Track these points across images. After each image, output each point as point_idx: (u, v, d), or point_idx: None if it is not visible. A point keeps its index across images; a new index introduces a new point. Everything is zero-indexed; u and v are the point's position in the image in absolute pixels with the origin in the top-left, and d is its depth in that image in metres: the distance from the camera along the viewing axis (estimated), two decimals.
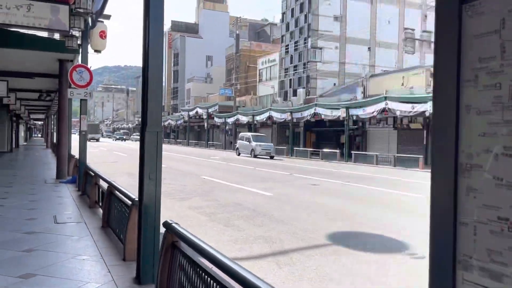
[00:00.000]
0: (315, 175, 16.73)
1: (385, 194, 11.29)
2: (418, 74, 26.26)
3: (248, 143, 31.12)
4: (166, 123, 67.46)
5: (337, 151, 28.98)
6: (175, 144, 61.55)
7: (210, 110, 50.13)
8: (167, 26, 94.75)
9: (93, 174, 8.46)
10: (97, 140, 63.28)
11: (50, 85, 19.33)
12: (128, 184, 12.86)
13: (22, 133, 44.64)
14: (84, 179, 9.89)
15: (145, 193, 4.11)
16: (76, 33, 11.72)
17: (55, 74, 15.01)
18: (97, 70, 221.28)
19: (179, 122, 61.63)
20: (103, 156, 26.30)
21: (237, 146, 33.91)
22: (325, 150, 30.56)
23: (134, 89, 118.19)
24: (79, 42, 11.70)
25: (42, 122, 60.18)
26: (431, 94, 23.58)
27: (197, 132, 64.37)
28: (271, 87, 44.23)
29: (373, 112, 24.99)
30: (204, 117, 51.61)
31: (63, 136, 13.37)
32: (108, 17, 11.02)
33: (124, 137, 75.03)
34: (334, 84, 39.52)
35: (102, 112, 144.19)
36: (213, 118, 50.11)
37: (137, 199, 4.78)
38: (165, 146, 51.43)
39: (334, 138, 35.77)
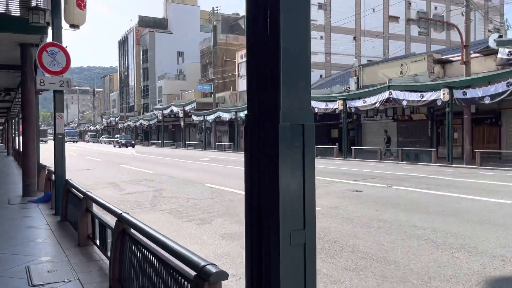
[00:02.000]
0: (336, 176, 14.45)
1: (471, 202, 9.09)
2: (419, 61, 24.45)
3: None
4: (138, 123, 63.83)
5: (335, 146, 26.87)
6: (149, 146, 58.14)
7: (187, 108, 47.12)
8: (134, 21, 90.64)
9: (81, 196, 5.77)
10: (46, 142, 57.93)
11: (9, 81, 16.16)
12: (119, 199, 10.25)
13: None
14: (64, 199, 7.18)
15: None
16: (43, 4, 8.91)
17: (15, 64, 12.05)
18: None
19: (152, 122, 58.14)
20: (75, 162, 23.15)
21: None
22: (319, 146, 28.40)
23: (101, 89, 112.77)
24: (47, 18, 8.91)
25: (2, 126, 55.38)
26: (439, 81, 21.84)
27: (172, 132, 61.11)
28: None
29: (375, 103, 22.97)
30: (181, 115, 48.50)
31: (30, 142, 10.47)
32: None
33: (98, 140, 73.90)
34: (321, 76, 37.48)
35: (67, 114, 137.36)
36: (190, 116, 47.14)
37: (204, 263, 2.29)
38: (139, 148, 48.20)
39: (324, 133, 33.73)
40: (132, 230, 3.80)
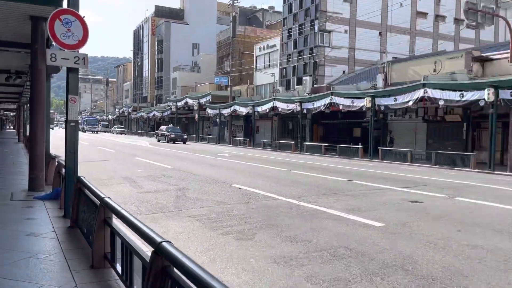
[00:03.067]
0: (378, 181, 13.01)
1: None
2: (455, 58, 22.76)
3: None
4: (151, 115, 62.77)
5: (359, 146, 25.36)
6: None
7: (202, 101, 45.83)
8: (150, 11, 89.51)
9: (98, 202, 4.43)
10: (52, 129, 56.59)
11: (20, 62, 14.95)
12: (137, 199, 8.99)
13: None
14: (75, 199, 5.87)
15: None
16: None
17: (26, 43, 10.80)
18: None
19: (165, 113, 56.98)
20: (87, 152, 21.98)
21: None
22: (342, 145, 26.92)
23: (114, 79, 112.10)
24: None
25: (15, 112, 54.78)
26: (482, 80, 20.15)
27: (185, 125, 59.92)
28: (271, 75, 40.24)
29: (407, 102, 21.40)
30: (195, 108, 47.24)
31: (38, 129, 9.21)
32: None
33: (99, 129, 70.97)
34: (343, 71, 35.85)
35: (79, 104, 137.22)
36: (205, 109, 45.84)
37: None
38: (152, 140, 46.69)
39: (346, 131, 32.21)
40: (178, 272, 2.44)
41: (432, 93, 20.10)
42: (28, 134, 11.10)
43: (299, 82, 36.86)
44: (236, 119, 44.46)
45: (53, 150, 11.72)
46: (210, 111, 44.46)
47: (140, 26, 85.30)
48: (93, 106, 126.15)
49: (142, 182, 11.29)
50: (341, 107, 26.13)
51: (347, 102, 25.59)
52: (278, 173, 14.37)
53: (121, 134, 68.62)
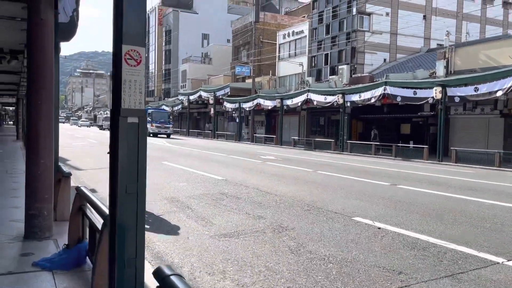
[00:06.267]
0: (486, 196, 8.99)
1: None
2: None
3: None
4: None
5: (424, 146, 21.29)
6: (174, 134, 52.91)
7: (218, 94, 41.69)
8: (156, 0, 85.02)
9: None
10: None
11: (14, 37, 10.89)
12: (222, 258, 4.19)
13: None
14: None
15: None
16: None
17: None
18: (73, 56, 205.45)
19: (176, 108, 52.80)
20: (98, 154, 17.97)
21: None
22: (401, 144, 22.86)
23: None
24: None
25: (14, 107, 50.76)
26: None
27: (196, 120, 55.86)
28: (298, 65, 36.04)
29: (496, 92, 17.29)
30: (211, 102, 43.10)
31: (41, 129, 5.16)
32: None
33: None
34: (385, 60, 31.72)
35: (82, 98, 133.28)
36: (221, 103, 41.72)
37: None
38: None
39: (392, 128, 28.11)
40: None
41: None
42: (25, 135, 6.92)
43: (333, 71, 32.74)
44: (257, 114, 40.38)
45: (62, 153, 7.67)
46: (228, 105, 40.34)
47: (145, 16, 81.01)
48: (96, 101, 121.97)
49: (201, 210, 7.25)
50: (398, 99, 22.00)
51: (407, 93, 21.46)
52: (396, 191, 10.20)
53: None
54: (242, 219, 6.62)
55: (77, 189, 4.71)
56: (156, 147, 24.43)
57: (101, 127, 62.02)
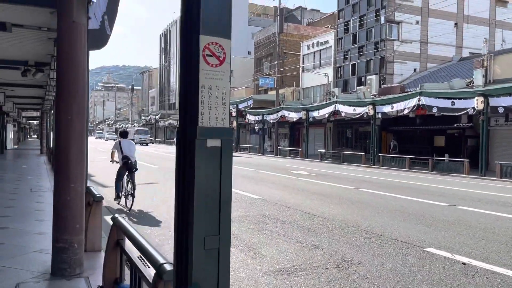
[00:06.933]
0: None
1: None
2: None
3: None
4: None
5: (465, 160, 20.03)
6: None
7: (241, 106, 41.09)
8: (177, 14, 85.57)
9: None
10: None
11: (40, 49, 10.43)
12: None
13: (11, 134, 35.48)
14: None
15: None
16: None
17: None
18: (95, 70, 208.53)
19: None
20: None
21: None
22: (438, 158, 21.62)
23: (140, 87, 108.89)
24: None
25: (38, 121, 51.16)
26: None
27: None
28: (324, 76, 35.16)
29: None
30: (233, 114, 42.46)
31: (73, 147, 4.41)
32: None
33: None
34: (415, 69, 30.57)
35: (103, 111, 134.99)
36: (244, 115, 41.10)
37: None
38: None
39: (425, 140, 26.87)
40: None
41: None
42: (53, 155, 6.17)
43: (360, 82, 31.74)
44: (280, 127, 39.55)
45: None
46: (251, 118, 39.68)
47: (166, 29, 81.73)
48: (117, 114, 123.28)
49: (245, 236, 6.41)
50: (434, 110, 20.84)
51: (444, 103, 20.30)
52: (458, 213, 9.14)
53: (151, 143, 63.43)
54: (296, 250, 5.73)
55: (114, 220, 3.92)
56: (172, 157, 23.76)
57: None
